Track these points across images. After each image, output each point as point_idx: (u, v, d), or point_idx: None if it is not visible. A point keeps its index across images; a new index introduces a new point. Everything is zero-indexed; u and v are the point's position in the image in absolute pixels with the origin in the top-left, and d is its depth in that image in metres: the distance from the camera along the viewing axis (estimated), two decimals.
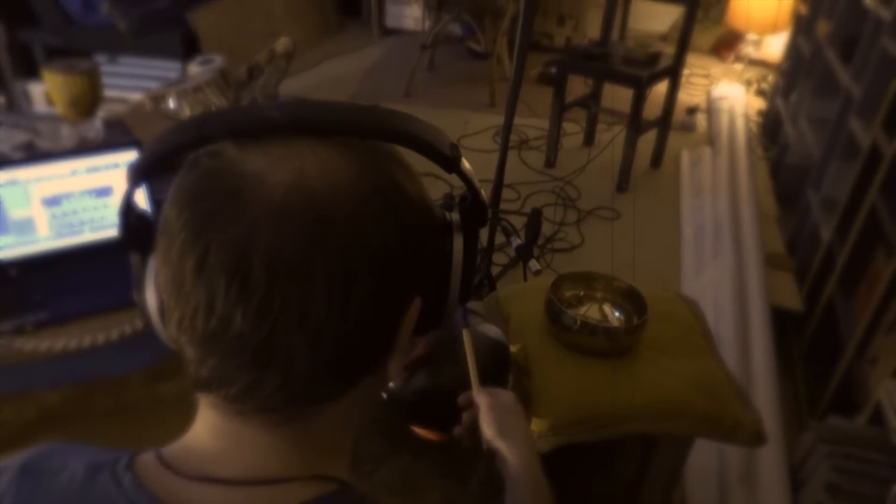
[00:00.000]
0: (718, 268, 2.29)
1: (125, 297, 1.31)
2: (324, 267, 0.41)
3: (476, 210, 0.51)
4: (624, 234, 2.65)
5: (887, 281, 1.63)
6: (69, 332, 1.21)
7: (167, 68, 3.31)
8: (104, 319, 1.24)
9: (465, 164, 0.49)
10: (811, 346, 2.08)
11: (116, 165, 1.38)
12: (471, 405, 0.86)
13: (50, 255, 1.34)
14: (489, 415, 0.82)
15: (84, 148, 1.61)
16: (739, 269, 2.26)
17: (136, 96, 2.30)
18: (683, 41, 2.92)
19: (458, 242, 0.50)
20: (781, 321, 2.13)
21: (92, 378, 1.28)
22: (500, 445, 0.79)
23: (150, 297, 0.49)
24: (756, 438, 1.15)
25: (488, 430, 0.81)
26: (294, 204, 0.41)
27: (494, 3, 3.64)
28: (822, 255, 2.19)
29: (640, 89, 2.75)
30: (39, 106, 2.23)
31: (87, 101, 1.86)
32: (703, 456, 1.51)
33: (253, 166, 0.42)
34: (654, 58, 2.88)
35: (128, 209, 0.49)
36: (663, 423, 1.14)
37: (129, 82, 3.17)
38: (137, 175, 0.47)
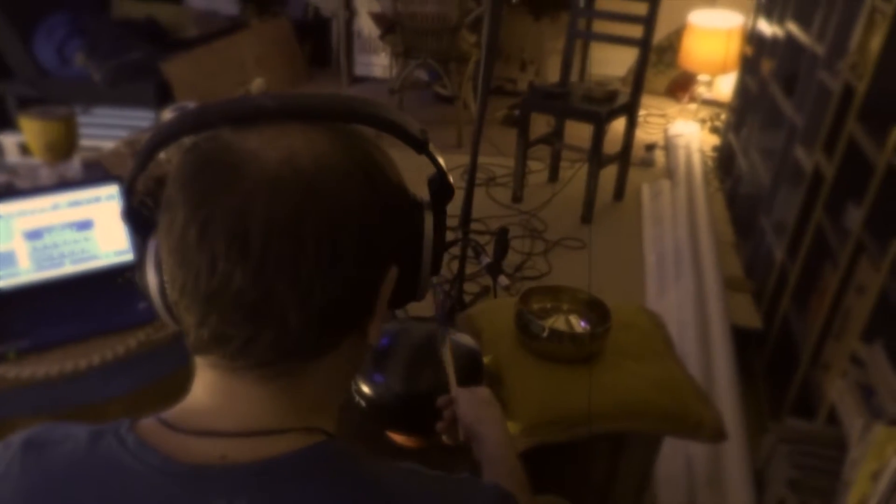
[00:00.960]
0: (680, 290, 2.38)
1: (106, 325, 1.35)
2: (313, 231, 0.47)
3: (443, 189, 0.58)
4: (590, 262, 2.74)
5: (833, 292, 1.73)
6: (51, 359, 1.23)
7: (141, 118, 3.38)
8: (86, 346, 1.26)
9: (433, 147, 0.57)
10: (771, 361, 2.17)
11: (97, 199, 1.42)
12: (449, 405, 0.90)
13: (30, 288, 1.36)
14: (467, 406, 0.86)
15: (67, 183, 1.65)
16: (700, 291, 2.36)
17: (110, 145, 2.35)
18: (638, 79, 3.08)
19: (428, 220, 0.57)
20: (742, 339, 2.21)
21: (74, 405, 1.29)
22: (478, 430, 0.83)
23: (151, 276, 0.54)
24: (717, 434, 1.22)
25: (466, 418, 0.85)
26: (286, 176, 0.47)
27: (459, 49, 3.80)
28: (776, 274, 2.30)
29: (600, 125, 2.89)
30: (12, 156, 2.26)
31: (64, 146, 1.91)
32: (671, 462, 1.57)
33: (248, 145, 0.48)
34: (612, 96, 3.04)
35: (130, 192, 0.55)
36: (629, 422, 1.20)
37: (104, 132, 3.22)
38: (142, 158, 0.53)
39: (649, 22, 2.98)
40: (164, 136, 0.52)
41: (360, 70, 5.07)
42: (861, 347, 1.45)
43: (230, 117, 0.50)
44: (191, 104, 2.57)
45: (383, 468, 0.53)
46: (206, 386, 0.53)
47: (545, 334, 1.25)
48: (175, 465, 0.49)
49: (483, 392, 0.90)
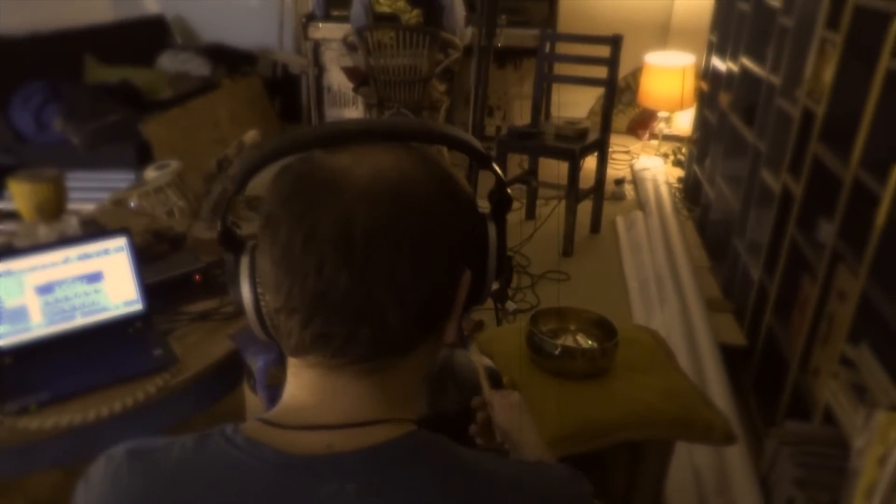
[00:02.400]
0: (666, 313, 2.47)
1: (124, 373, 1.36)
2: (408, 236, 0.53)
3: (503, 201, 0.64)
4: (575, 293, 2.83)
5: (815, 301, 1.83)
6: (73, 409, 1.23)
7: (120, 179, 3.38)
8: (105, 394, 1.26)
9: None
10: (759, 374, 2.25)
11: (106, 252, 1.44)
12: (483, 407, 0.95)
13: (43, 342, 1.37)
14: (503, 412, 0.91)
15: (76, 237, 1.67)
16: (685, 313, 2.45)
17: (90, 207, 2.37)
18: (606, 116, 3.23)
19: (492, 229, 0.63)
20: (729, 357, 2.29)
21: (94, 454, 1.29)
22: (517, 436, 0.88)
23: (245, 290, 0.59)
24: (727, 436, 1.27)
25: (504, 424, 0.90)
26: (379, 189, 0.53)
27: (430, 97, 3.94)
28: (755, 292, 2.40)
29: (574, 161, 3.01)
30: None
31: (54, 207, 1.93)
32: (680, 474, 1.61)
33: (340, 164, 0.54)
34: (583, 133, 3.18)
35: (226, 211, 0.60)
36: (644, 431, 1.25)
37: (84, 195, 3.21)
38: (238, 182, 0.58)
39: (613, 63, 3.15)
40: (259, 160, 0.57)
41: None
42: (849, 349, 1.53)
43: (320, 140, 0.56)
44: (173, 163, 2.61)
45: (471, 452, 0.57)
46: (305, 385, 0.57)
47: (558, 352, 1.31)
48: (286, 457, 0.53)
49: (515, 397, 0.94)
